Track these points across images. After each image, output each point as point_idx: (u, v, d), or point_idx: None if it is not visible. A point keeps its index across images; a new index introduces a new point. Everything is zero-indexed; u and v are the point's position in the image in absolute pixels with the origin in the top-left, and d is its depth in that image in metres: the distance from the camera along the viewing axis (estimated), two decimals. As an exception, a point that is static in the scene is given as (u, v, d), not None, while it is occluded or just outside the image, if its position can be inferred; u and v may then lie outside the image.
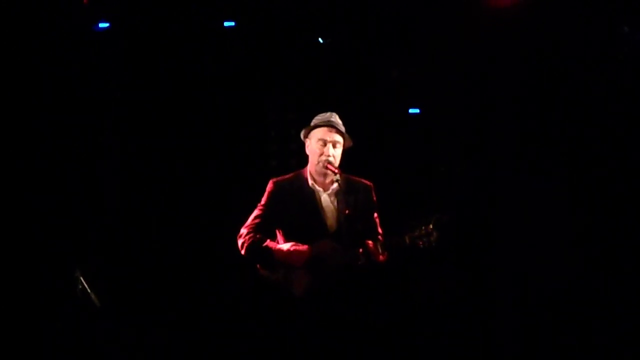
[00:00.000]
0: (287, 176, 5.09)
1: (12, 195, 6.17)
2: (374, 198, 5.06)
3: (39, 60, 6.23)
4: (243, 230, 4.99)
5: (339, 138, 4.98)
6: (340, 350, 4.78)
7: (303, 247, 4.87)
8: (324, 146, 4.95)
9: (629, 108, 6.31)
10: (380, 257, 4.90)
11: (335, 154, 4.96)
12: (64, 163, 6.32)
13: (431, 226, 4.85)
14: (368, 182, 5.08)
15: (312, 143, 5.00)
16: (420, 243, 4.86)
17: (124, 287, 6.21)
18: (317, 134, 4.99)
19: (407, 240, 4.88)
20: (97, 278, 5.36)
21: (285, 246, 4.91)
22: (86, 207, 6.35)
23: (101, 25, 6.31)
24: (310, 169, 5.03)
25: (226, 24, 6.44)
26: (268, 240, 4.94)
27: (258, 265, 4.99)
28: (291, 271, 4.88)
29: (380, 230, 5.03)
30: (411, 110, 6.71)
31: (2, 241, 6.10)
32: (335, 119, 5.02)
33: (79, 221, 6.30)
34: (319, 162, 4.96)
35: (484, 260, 6.46)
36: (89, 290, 5.23)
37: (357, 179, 5.06)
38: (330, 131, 4.97)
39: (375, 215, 5.06)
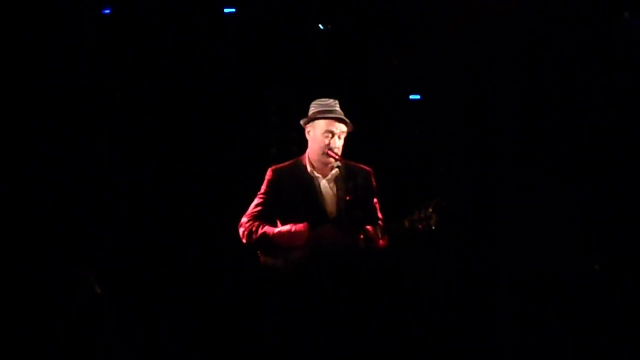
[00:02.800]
0: (285, 163, 5.10)
1: (11, 193, 6.20)
2: (374, 183, 5.06)
3: (43, 70, 6.26)
4: (244, 219, 5.01)
5: (344, 128, 4.98)
6: (339, 335, 4.80)
7: (300, 227, 4.87)
8: (332, 138, 4.94)
9: (629, 97, 6.34)
10: (381, 241, 4.91)
11: (340, 144, 4.97)
12: (63, 159, 6.33)
13: (430, 209, 4.82)
14: (367, 168, 5.08)
15: (317, 134, 4.97)
16: (420, 226, 4.83)
17: (123, 279, 6.22)
18: (323, 125, 4.96)
19: (407, 224, 4.86)
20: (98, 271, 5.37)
21: (284, 228, 4.93)
22: (85, 193, 6.36)
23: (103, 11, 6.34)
24: (311, 156, 5.02)
25: (226, 10, 6.44)
26: (267, 226, 4.96)
27: (259, 253, 5.01)
28: (292, 258, 4.90)
29: (380, 216, 5.03)
30: (412, 97, 6.73)
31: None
32: (338, 107, 5.01)
33: (79, 215, 6.32)
34: (323, 153, 4.95)
35: (483, 246, 6.50)
36: (91, 279, 5.25)
37: (356, 164, 5.06)
38: (338, 122, 4.96)
39: (375, 200, 5.05)
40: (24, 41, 6.20)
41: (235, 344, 6.07)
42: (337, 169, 4.94)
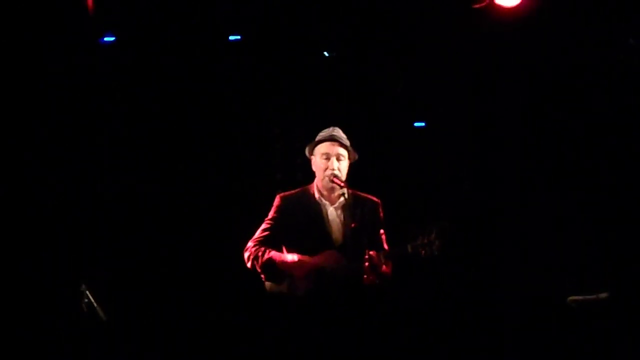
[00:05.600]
0: (294, 191, 5.14)
1: (11, 193, 6.18)
2: (381, 214, 5.09)
3: (43, 70, 6.17)
4: (250, 244, 5.06)
5: (342, 151, 5.01)
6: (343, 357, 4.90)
7: (305, 259, 4.94)
8: (328, 160, 4.98)
9: (632, 112, 6.36)
10: (384, 267, 4.93)
11: (341, 167, 4.99)
12: (63, 159, 6.28)
13: (434, 235, 4.86)
14: (375, 199, 5.11)
15: (317, 159, 5.03)
16: (423, 252, 4.87)
17: (127, 305, 6.25)
18: (321, 149, 5.02)
19: (410, 249, 4.90)
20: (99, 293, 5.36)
21: (289, 257, 4.98)
22: (90, 220, 6.35)
23: (107, 39, 6.25)
24: (317, 184, 5.06)
25: (231, 37, 6.38)
26: (273, 252, 5.00)
27: (263, 277, 5.05)
28: (295, 283, 4.96)
29: (386, 247, 5.05)
30: (416, 124, 6.74)
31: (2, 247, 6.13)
32: (338, 132, 5.04)
33: (82, 231, 6.31)
34: (324, 177, 4.99)
35: (486, 268, 6.57)
36: (94, 304, 5.23)
37: (364, 195, 5.08)
38: (333, 145, 5.00)
39: (382, 231, 5.09)
40: (24, 41, 6.11)
41: (236, 345, 6.16)
42: (344, 197, 4.97)
